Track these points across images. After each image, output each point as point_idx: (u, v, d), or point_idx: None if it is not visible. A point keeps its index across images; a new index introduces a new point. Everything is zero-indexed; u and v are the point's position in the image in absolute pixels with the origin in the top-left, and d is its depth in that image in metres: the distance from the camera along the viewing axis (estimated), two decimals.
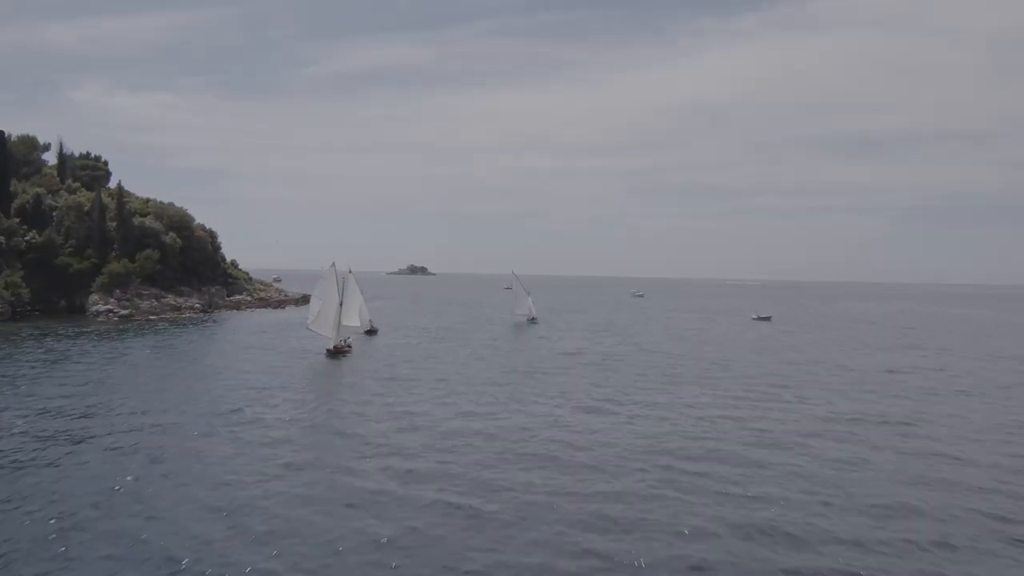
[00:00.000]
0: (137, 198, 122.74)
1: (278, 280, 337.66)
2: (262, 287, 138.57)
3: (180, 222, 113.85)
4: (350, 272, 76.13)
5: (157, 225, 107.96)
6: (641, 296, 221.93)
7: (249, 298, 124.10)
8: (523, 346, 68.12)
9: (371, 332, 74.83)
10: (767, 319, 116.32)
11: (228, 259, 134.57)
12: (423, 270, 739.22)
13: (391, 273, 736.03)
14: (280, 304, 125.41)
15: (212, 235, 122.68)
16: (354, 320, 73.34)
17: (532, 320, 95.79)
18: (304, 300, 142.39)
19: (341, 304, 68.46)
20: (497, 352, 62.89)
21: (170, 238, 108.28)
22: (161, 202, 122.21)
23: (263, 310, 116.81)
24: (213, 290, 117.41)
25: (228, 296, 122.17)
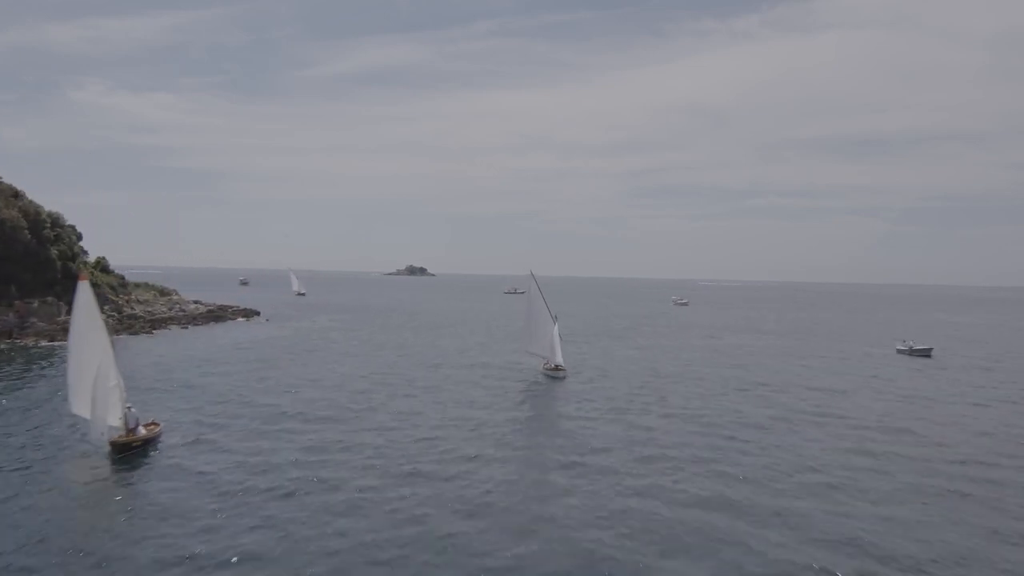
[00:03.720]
0: None
1: (245, 283, 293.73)
2: (144, 298, 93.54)
3: None
4: (86, 281, 32.04)
5: None
6: (685, 304, 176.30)
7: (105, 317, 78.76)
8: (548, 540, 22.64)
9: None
10: (925, 354, 71.20)
11: (91, 256, 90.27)
12: (422, 271, 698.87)
13: (388, 274, 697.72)
14: (152, 326, 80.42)
15: (42, 220, 77.84)
16: (80, 406, 28.83)
17: (556, 371, 50.49)
18: (214, 315, 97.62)
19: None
20: None
21: None
22: None
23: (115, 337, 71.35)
24: (35, 305, 72.83)
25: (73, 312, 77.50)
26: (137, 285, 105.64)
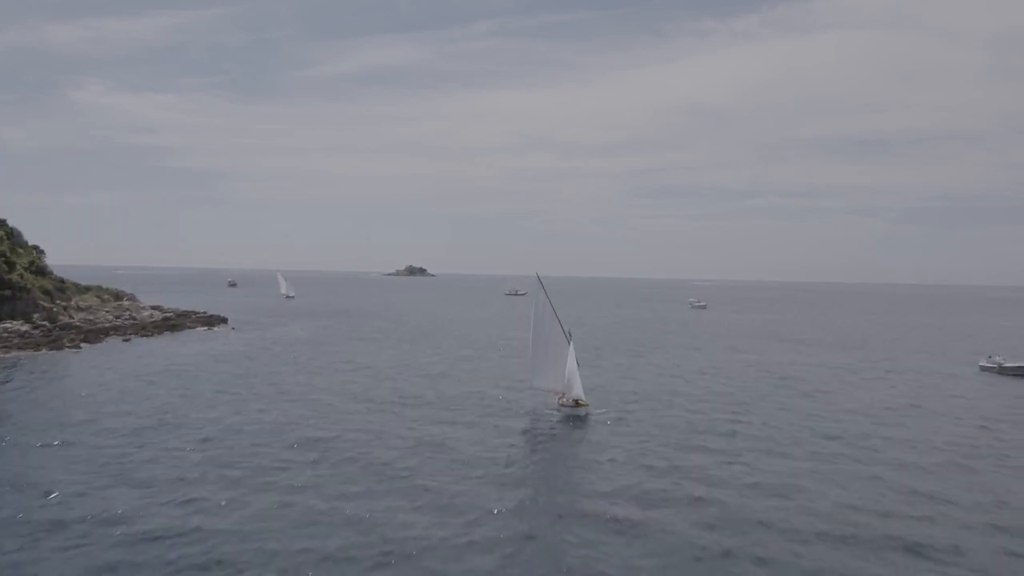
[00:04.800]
0: None
1: (233, 284, 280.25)
2: (87, 305, 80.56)
3: None
4: None
5: None
6: (703, 307, 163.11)
7: (24, 328, 66.23)
8: None
9: None
10: (1022, 374, 58.21)
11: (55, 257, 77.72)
12: (422, 271, 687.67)
13: (388, 274, 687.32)
14: (85, 338, 67.71)
15: None
16: None
17: (575, 406, 37.45)
18: (169, 324, 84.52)
19: None
20: None
21: None
22: None
23: (23, 354, 58.87)
24: None
25: None
26: (87, 288, 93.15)
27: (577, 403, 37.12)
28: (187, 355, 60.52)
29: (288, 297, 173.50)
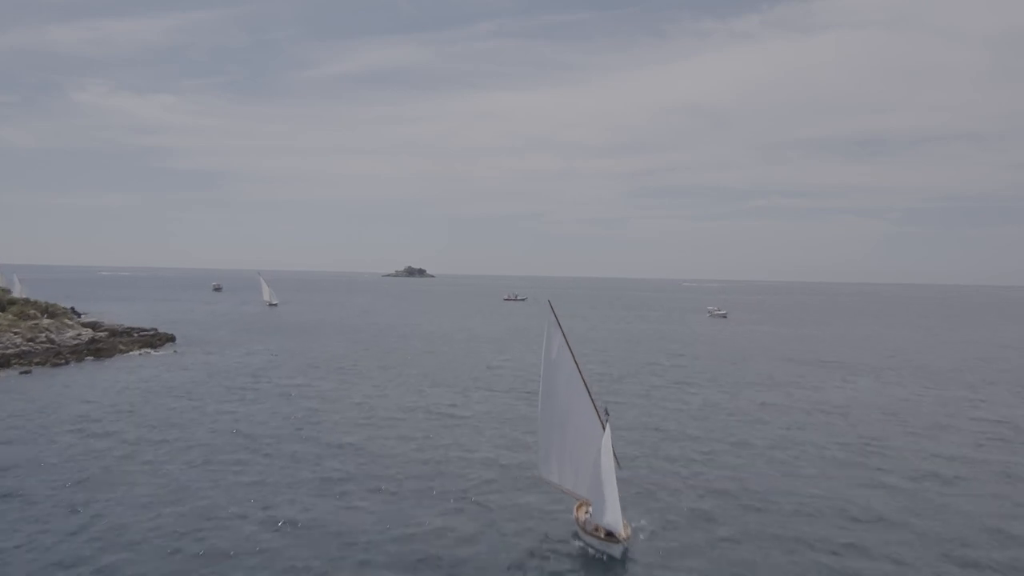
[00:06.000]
0: None
1: (218, 288, 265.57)
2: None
3: None
4: None
5: None
6: (723, 316, 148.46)
7: None
8: None
9: None
10: None
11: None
12: (421, 272, 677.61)
13: (387, 275, 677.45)
14: None
15: None
16: None
17: (608, 540, 22.60)
18: (97, 347, 70.12)
19: None
20: None
21: None
22: None
23: None
24: None
25: None
26: (12, 303, 79.23)
27: (608, 535, 22.45)
28: (76, 401, 46.02)
29: (271, 304, 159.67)
